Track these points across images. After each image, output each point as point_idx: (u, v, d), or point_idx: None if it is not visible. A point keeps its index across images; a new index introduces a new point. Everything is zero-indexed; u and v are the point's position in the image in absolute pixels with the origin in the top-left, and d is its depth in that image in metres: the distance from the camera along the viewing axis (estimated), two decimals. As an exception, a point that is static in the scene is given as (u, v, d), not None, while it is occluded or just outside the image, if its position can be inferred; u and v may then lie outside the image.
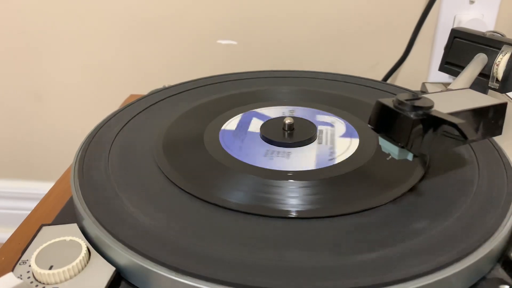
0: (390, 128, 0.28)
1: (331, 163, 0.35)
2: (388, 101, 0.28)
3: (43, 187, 0.46)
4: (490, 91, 0.51)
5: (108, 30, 0.68)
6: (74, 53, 0.70)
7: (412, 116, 0.27)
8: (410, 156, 0.28)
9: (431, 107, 0.27)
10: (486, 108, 0.30)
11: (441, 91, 0.32)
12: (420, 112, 0.27)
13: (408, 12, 0.64)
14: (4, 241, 0.34)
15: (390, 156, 0.29)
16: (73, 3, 0.67)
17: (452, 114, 0.28)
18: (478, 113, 0.30)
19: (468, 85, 0.39)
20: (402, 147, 0.28)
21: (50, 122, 0.76)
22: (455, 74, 0.49)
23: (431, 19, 0.62)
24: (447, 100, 0.30)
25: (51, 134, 0.77)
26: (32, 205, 0.39)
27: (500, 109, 0.31)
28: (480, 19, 0.61)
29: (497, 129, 0.31)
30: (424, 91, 0.56)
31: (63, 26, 0.69)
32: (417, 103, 0.27)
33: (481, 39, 0.46)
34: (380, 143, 0.29)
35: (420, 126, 0.27)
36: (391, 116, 0.28)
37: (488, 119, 0.30)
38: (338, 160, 0.35)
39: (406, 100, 0.27)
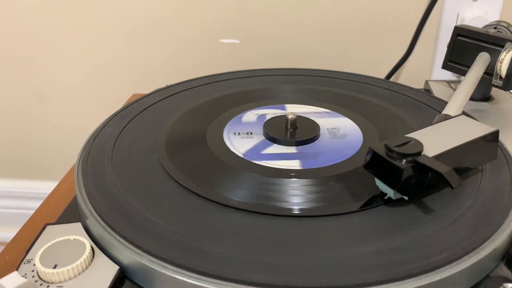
0: (382, 174, 0.29)
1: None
2: (380, 148, 0.29)
3: (47, 187, 0.46)
4: (494, 88, 0.51)
5: (110, 30, 0.68)
6: (76, 53, 0.71)
7: (401, 164, 0.27)
8: (406, 196, 0.29)
9: (420, 152, 0.28)
10: (478, 139, 0.30)
11: (434, 124, 0.33)
12: (410, 159, 0.27)
13: (411, 10, 0.64)
14: (8, 241, 0.34)
15: (387, 196, 0.30)
16: (76, 3, 0.67)
17: (443, 153, 0.29)
18: (471, 145, 0.30)
19: (471, 91, 0.39)
20: None
21: (53, 121, 0.77)
22: (458, 72, 0.49)
23: (434, 16, 0.62)
24: (439, 135, 0.31)
25: (55, 134, 0.78)
26: (36, 204, 0.39)
27: (492, 137, 0.31)
28: (484, 16, 0.61)
29: (492, 156, 0.32)
30: (427, 88, 0.56)
31: (65, 26, 0.69)
32: (406, 149, 0.28)
33: (484, 36, 0.46)
34: (376, 184, 0.30)
35: (410, 173, 0.27)
36: (383, 164, 0.28)
37: (481, 148, 0.31)
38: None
39: (396, 146, 0.28)
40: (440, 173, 0.26)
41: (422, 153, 0.28)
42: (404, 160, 0.27)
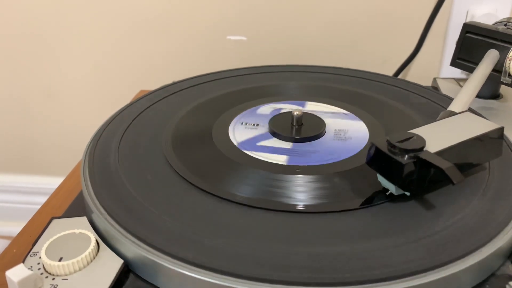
0: (384, 169, 0.29)
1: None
2: (382, 143, 0.29)
3: (54, 182, 0.47)
4: (503, 86, 0.51)
5: (117, 27, 0.69)
6: (83, 50, 0.71)
7: (403, 160, 0.27)
8: (407, 192, 0.29)
9: (422, 148, 0.28)
10: (482, 135, 0.30)
11: (438, 120, 0.32)
12: (411, 154, 0.27)
13: (420, 6, 0.63)
14: (16, 235, 0.34)
15: (389, 191, 0.30)
16: (82, 0, 0.67)
17: (446, 149, 0.28)
18: (475, 142, 0.30)
19: (478, 89, 0.39)
20: None
21: (60, 118, 0.77)
22: (467, 69, 0.49)
23: (444, 13, 0.62)
24: (443, 131, 0.31)
25: (62, 130, 0.78)
26: (43, 199, 0.39)
27: (497, 134, 0.31)
28: (494, 13, 0.60)
29: (497, 152, 0.32)
30: (435, 86, 0.56)
31: (73, 23, 0.69)
32: (408, 145, 0.28)
33: (493, 33, 0.45)
34: (379, 179, 0.30)
35: (412, 169, 0.27)
36: (384, 159, 0.28)
37: (486, 145, 0.31)
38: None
39: (398, 142, 0.28)
40: (442, 169, 0.26)
41: (425, 149, 0.28)
42: (406, 156, 0.27)
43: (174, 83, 0.49)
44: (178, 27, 0.68)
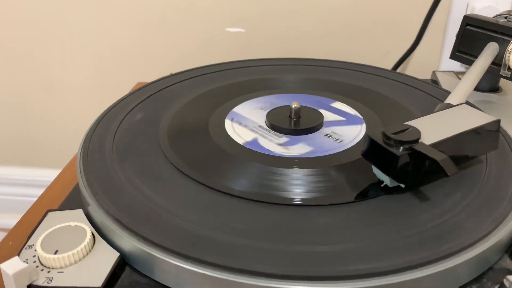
0: (379, 161, 0.29)
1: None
2: (377, 135, 0.28)
3: (51, 174, 0.47)
4: (502, 79, 0.51)
5: (115, 19, 0.68)
6: (81, 41, 0.70)
7: (397, 152, 0.27)
8: (402, 184, 0.29)
9: (417, 140, 0.28)
10: (478, 128, 0.30)
11: (435, 113, 0.32)
12: (406, 146, 0.27)
13: (419, -1, 0.63)
14: (12, 227, 0.34)
15: (384, 183, 0.29)
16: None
17: (441, 141, 0.28)
18: (471, 134, 0.30)
19: (476, 81, 0.39)
20: None
21: (57, 110, 0.77)
22: (466, 62, 0.49)
23: (444, 5, 0.61)
24: (439, 123, 0.31)
25: (58, 122, 0.78)
26: (40, 191, 0.39)
27: (493, 126, 0.31)
28: (494, 6, 0.60)
29: (493, 145, 0.32)
30: (434, 79, 0.55)
31: (71, 15, 0.68)
32: (404, 137, 0.28)
33: (493, 26, 0.45)
34: (374, 171, 0.30)
35: (407, 161, 0.27)
36: (379, 151, 0.28)
37: (482, 138, 0.31)
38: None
39: (393, 133, 0.28)
40: (436, 161, 0.26)
41: (420, 141, 0.28)
42: (401, 148, 0.27)
43: (171, 75, 0.49)
44: (176, 19, 0.67)
